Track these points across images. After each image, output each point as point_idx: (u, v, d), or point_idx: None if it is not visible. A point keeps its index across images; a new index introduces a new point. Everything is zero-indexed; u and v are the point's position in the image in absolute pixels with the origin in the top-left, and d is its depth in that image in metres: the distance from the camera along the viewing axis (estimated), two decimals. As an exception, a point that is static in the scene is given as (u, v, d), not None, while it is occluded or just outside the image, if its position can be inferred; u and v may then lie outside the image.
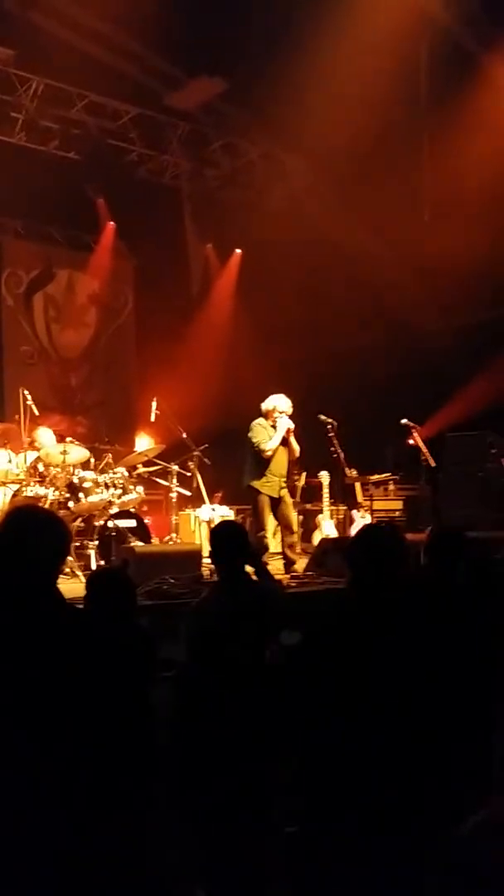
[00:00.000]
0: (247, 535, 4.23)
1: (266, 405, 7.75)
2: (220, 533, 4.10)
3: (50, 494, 8.08)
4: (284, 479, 7.79)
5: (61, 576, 3.14)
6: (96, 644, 2.53)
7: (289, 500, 7.89)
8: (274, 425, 7.67)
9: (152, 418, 9.51)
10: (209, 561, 7.82)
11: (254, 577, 4.14)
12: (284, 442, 7.70)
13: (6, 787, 2.18)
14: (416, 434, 8.90)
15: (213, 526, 4.70)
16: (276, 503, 7.72)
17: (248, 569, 4.13)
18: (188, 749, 3.51)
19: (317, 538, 9.38)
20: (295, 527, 7.90)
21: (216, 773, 3.40)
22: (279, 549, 8.02)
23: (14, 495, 8.11)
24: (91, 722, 2.35)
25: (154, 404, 9.46)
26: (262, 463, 7.63)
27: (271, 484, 7.65)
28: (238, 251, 12.91)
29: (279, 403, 7.70)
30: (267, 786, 3.42)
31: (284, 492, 7.80)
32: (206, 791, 3.42)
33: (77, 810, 2.26)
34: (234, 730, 3.42)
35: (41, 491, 8.12)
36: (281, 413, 7.65)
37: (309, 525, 9.90)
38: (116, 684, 2.75)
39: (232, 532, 4.10)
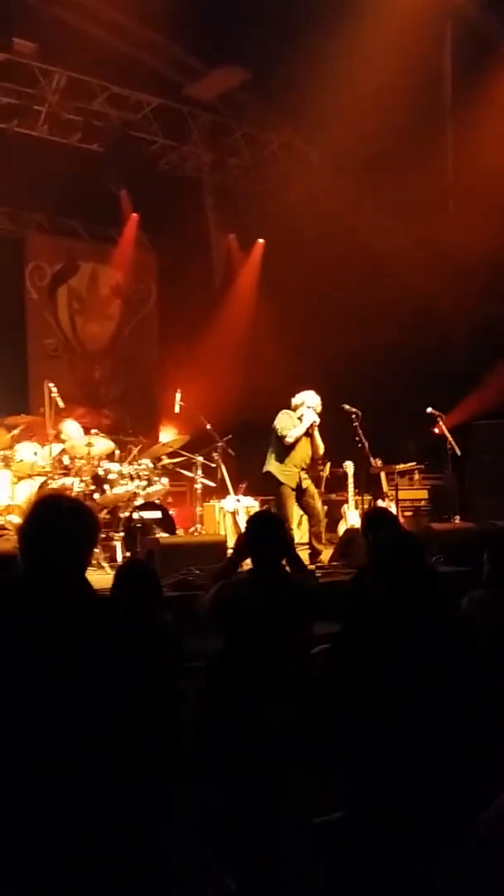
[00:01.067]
0: (284, 526, 4.16)
1: (295, 400, 7.86)
2: (257, 523, 3.99)
3: (76, 486, 8.13)
4: (303, 471, 7.81)
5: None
6: (123, 635, 2.53)
7: (313, 490, 7.91)
8: (300, 417, 7.74)
9: (176, 410, 9.53)
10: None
11: (286, 569, 4.09)
12: (308, 435, 7.75)
13: (27, 779, 2.17)
14: (441, 423, 8.87)
15: (246, 517, 4.64)
16: (298, 494, 7.74)
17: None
18: (212, 739, 3.52)
19: (342, 528, 9.36)
20: (321, 517, 7.92)
21: (240, 763, 3.41)
22: (304, 540, 8.03)
23: (40, 487, 8.18)
24: (115, 714, 2.34)
25: (178, 396, 9.48)
26: (283, 451, 7.68)
27: (290, 474, 7.69)
28: (260, 241, 12.88)
29: (308, 399, 7.80)
30: (290, 775, 3.43)
31: (307, 482, 7.82)
32: (230, 781, 3.44)
33: (102, 803, 2.25)
34: (257, 722, 3.42)
35: (67, 481, 8.19)
36: (309, 408, 7.73)
37: (334, 515, 9.89)
38: (143, 675, 2.76)
39: (269, 522, 4.00)
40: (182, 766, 3.33)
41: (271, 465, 7.74)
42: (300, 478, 7.73)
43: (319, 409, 7.81)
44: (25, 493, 8.18)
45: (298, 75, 9.46)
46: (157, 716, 3.01)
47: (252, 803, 3.36)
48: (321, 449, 7.85)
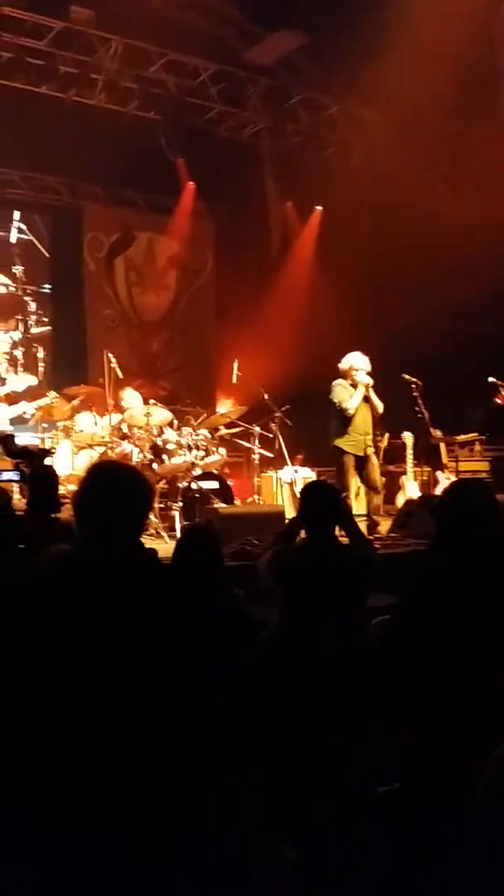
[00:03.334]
0: (339, 496, 4.14)
1: (342, 365, 7.72)
2: (310, 493, 3.98)
3: (135, 456, 8.18)
4: (370, 437, 7.72)
5: (146, 535, 3.15)
6: (185, 598, 2.52)
7: (375, 460, 7.82)
8: (353, 384, 7.61)
9: (234, 380, 9.50)
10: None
11: (343, 540, 4.06)
12: (366, 399, 7.65)
13: (96, 751, 2.17)
14: (503, 392, 8.70)
15: (302, 487, 4.62)
16: (361, 463, 7.66)
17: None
18: (276, 704, 3.52)
19: (400, 500, 9.27)
20: (380, 488, 7.83)
21: (298, 728, 3.41)
22: (361, 511, 7.96)
23: (100, 457, 8.24)
24: (177, 677, 2.34)
25: (235, 366, 9.45)
26: (345, 422, 7.59)
27: (356, 442, 7.60)
28: (318, 208, 12.70)
29: (355, 361, 7.65)
30: (353, 744, 3.41)
31: (371, 451, 7.73)
32: (288, 747, 3.43)
33: (164, 770, 2.25)
34: (318, 690, 3.41)
35: (126, 451, 8.24)
36: (358, 370, 7.59)
37: (392, 486, 9.79)
38: (206, 639, 2.76)
39: (323, 492, 3.98)
40: (243, 731, 3.34)
41: (335, 439, 7.67)
42: (365, 444, 7.65)
43: (369, 367, 7.67)
44: (85, 462, 8.25)
45: (358, 38, 9.24)
46: (219, 680, 3.00)
47: (311, 770, 3.36)
48: (380, 408, 7.73)
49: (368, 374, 7.64)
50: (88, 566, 2.33)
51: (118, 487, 2.39)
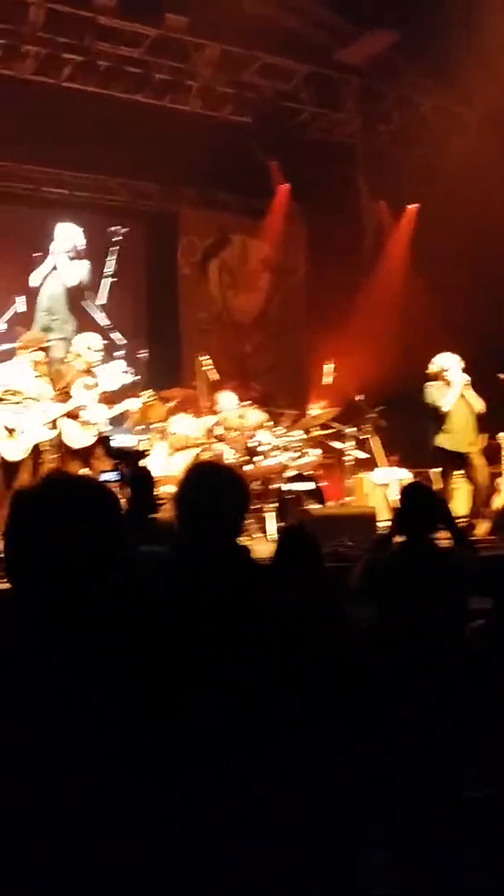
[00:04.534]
0: (437, 499, 4.10)
1: (432, 368, 7.72)
2: (408, 495, 3.97)
3: (228, 457, 8.25)
4: (471, 436, 7.65)
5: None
6: (287, 601, 2.53)
7: (479, 461, 7.72)
8: (447, 384, 7.57)
9: (328, 381, 9.49)
10: (384, 524, 7.77)
11: (444, 544, 4.01)
12: (462, 396, 7.60)
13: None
14: None
15: (396, 489, 4.60)
16: (462, 461, 7.58)
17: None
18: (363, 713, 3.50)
19: (497, 502, 9.07)
20: (484, 490, 7.74)
21: (391, 734, 3.38)
22: (461, 512, 7.85)
23: (194, 459, 8.34)
24: (271, 678, 2.34)
25: (329, 367, 9.43)
26: (441, 421, 7.55)
27: (454, 439, 7.55)
28: (413, 207, 12.55)
29: (444, 362, 7.65)
30: (448, 748, 3.37)
31: (474, 449, 7.66)
32: (380, 751, 3.41)
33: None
34: (409, 696, 3.38)
35: (220, 452, 8.31)
36: (448, 370, 7.56)
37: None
38: (304, 640, 2.76)
39: (421, 495, 3.96)
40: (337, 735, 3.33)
41: (436, 439, 7.62)
42: (467, 442, 7.58)
43: (461, 366, 7.64)
44: (180, 464, 8.36)
45: (451, 34, 9.11)
46: (313, 683, 3.00)
47: (401, 775, 3.33)
48: (478, 405, 7.66)
49: (463, 371, 7.61)
50: (188, 568, 2.35)
51: (219, 487, 2.44)
